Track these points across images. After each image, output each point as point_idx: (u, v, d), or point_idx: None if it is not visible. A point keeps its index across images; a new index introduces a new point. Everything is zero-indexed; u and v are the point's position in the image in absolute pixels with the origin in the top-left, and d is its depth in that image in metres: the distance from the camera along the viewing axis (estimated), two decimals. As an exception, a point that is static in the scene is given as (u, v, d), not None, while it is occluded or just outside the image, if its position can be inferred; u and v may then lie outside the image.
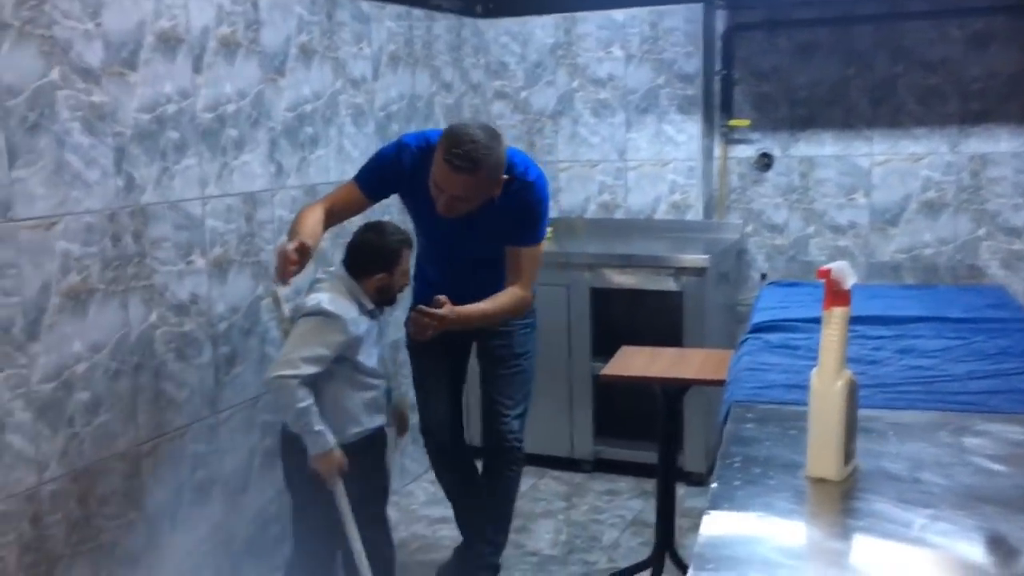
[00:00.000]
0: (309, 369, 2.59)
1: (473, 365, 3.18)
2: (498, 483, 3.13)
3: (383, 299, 2.78)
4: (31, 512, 2.40)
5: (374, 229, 2.79)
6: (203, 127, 2.92)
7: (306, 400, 2.58)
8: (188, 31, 2.84)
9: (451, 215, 2.64)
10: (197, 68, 2.88)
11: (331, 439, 2.63)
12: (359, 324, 2.70)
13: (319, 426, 2.61)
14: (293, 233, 2.61)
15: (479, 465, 3.23)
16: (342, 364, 2.69)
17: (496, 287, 2.79)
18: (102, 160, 2.58)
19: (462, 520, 3.32)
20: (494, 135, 2.58)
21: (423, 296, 2.90)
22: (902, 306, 2.61)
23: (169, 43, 2.78)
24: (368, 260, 2.73)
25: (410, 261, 2.80)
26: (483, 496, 3.17)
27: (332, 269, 2.88)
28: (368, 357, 2.76)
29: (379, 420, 2.85)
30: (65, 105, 2.46)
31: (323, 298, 2.65)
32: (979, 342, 2.23)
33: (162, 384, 2.81)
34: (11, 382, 2.36)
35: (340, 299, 2.68)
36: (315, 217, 2.67)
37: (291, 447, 2.76)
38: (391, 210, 3.68)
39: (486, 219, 2.73)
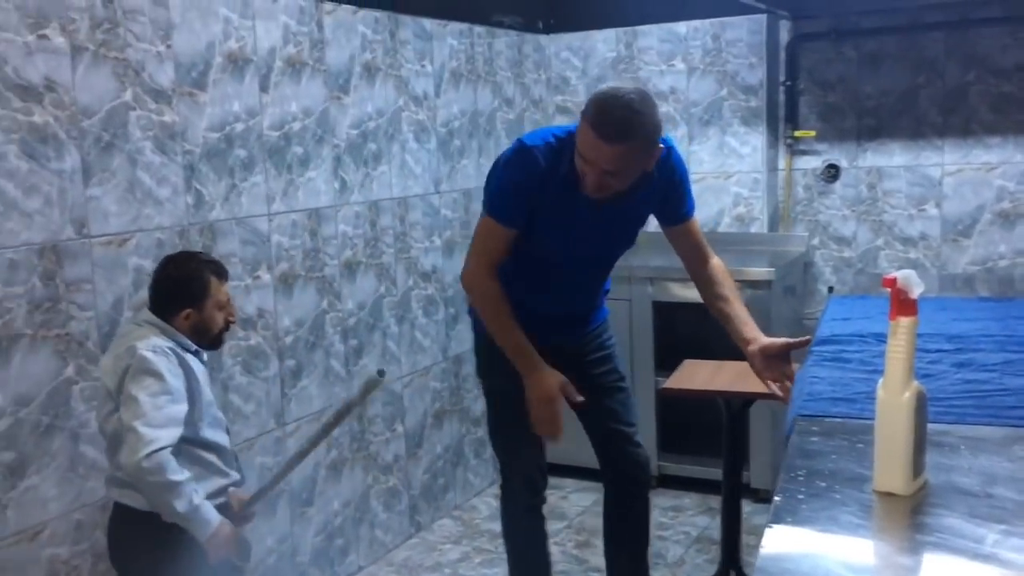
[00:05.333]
0: (172, 431, 2.13)
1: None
2: (642, 510, 2.90)
3: (204, 340, 2.33)
4: (104, 522, 2.46)
5: (173, 261, 2.35)
6: (269, 145, 2.98)
7: (181, 472, 2.12)
8: (255, 52, 2.91)
9: (601, 195, 2.28)
10: (264, 87, 2.95)
11: (215, 511, 2.20)
12: (188, 363, 2.26)
13: (197, 499, 2.15)
14: (520, 352, 2.41)
15: (600, 494, 2.96)
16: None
17: (599, 294, 2.67)
18: (173, 178, 2.65)
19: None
20: (646, 98, 2.22)
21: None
22: (969, 318, 2.54)
23: (237, 64, 2.85)
24: (171, 296, 2.29)
25: (226, 293, 2.37)
26: (625, 527, 2.90)
27: (134, 316, 2.39)
28: (211, 425, 2.31)
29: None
30: (137, 125, 2.54)
31: (138, 345, 2.18)
32: (1043, 356, 2.15)
33: (229, 396, 2.86)
34: (86, 394, 2.44)
35: (158, 341, 2.22)
36: (509, 310, 2.42)
37: (142, 539, 2.22)
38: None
39: (638, 202, 2.40)
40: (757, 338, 2.41)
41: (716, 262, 2.60)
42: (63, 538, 2.39)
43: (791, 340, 2.39)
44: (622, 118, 2.15)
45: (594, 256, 2.56)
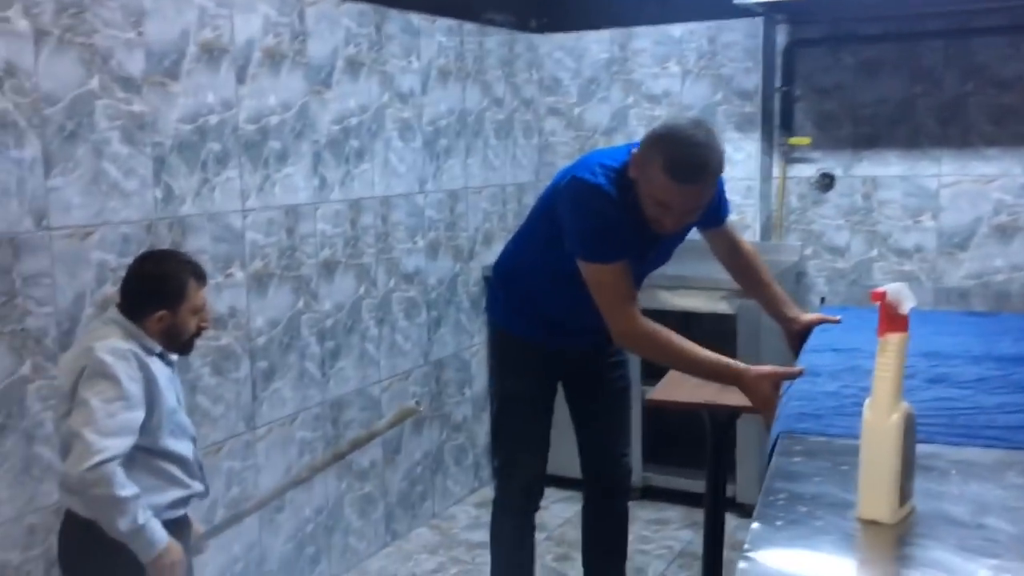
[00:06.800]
0: (124, 441, 2.00)
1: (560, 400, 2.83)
2: (622, 521, 2.90)
3: (174, 344, 2.20)
4: (59, 526, 2.36)
5: (151, 259, 2.23)
6: (245, 139, 2.88)
7: (129, 487, 1.99)
8: (232, 42, 2.81)
9: (672, 231, 2.35)
10: (241, 79, 2.85)
11: (163, 531, 2.07)
12: (150, 367, 2.12)
13: (143, 517, 2.01)
14: (718, 370, 2.35)
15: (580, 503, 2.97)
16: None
17: None
18: (141, 170, 2.56)
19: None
20: (711, 131, 2.24)
21: (550, 343, 2.61)
22: (952, 333, 2.44)
23: (213, 53, 2.75)
24: (145, 295, 2.15)
25: (203, 297, 2.22)
26: (605, 539, 2.90)
27: (105, 315, 2.24)
28: (173, 434, 2.17)
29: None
30: (104, 114, 2.45)
31: (96, 346, 2.05)
32: (1020, 373, 2.05)
33: (197, 398, 2.76)
34: (42, 393, 2.34)
35: (119, 343, 2.08)
36: (683, 339, 2.39)
37: (92, 551, 2.08)
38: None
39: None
40: (798, 317, 2.60)
41: (748, 249, 2.69)
42: (14, 543, 2.29)
43: (826, 316, 2.57)
44: (699, 160, 2.17)
45: (643, 273, 2.58)
